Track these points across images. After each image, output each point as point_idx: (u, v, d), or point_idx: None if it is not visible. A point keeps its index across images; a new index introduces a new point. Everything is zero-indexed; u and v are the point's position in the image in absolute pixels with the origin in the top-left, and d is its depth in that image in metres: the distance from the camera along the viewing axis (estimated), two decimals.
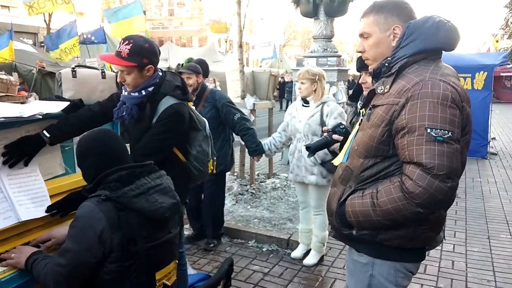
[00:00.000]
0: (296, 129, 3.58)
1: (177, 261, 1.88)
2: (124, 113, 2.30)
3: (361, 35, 1.72)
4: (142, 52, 2.20)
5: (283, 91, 20.39)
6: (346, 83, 7.79)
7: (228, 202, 5.06)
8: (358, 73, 3.03)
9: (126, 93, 2.31)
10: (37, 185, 2.24)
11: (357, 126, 1.80)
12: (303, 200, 3.79)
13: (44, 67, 10.46)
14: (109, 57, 2.31)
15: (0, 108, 2.14)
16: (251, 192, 5.35)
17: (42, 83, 10.21)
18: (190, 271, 3.38)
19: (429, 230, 1.62)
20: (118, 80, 2.31)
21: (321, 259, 3.81)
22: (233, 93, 6.05)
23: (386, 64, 1.63)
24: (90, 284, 1.67)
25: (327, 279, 3.52)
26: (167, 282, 1.78)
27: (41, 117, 2.19)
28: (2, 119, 2.01)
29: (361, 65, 2.72)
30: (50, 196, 2.24)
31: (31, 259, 1.76)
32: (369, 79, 2.70)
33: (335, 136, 2.24)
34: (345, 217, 1.66)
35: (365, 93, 2.71)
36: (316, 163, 3.45)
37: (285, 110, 4.44)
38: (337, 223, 1.71)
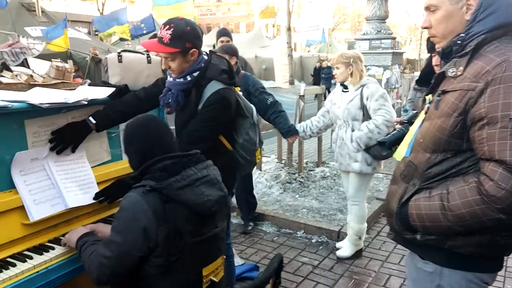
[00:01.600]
0: (336, 115, 3.42)
1: (224, 256, 1.79)
2: (170, 100, 2.21)
3: (427, 8, 1.48)
4: (184, 36, 2.08)
5: (318, 78, 18.26)
6: (401, 66, 7.38)
7: (276, 190, 4.94)
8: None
9: (171, 79, 2.21)
10: (84, 171, 2.21)
11: (422, 115, 1.58)
12: (347, 189, 3.63)
13: (97, 55, 10.73)
14: (151, 44, 2.21)
15: (47, 94, 2.11)
16: (299, 181, 5.19)
17: (95, 70, 10.50)
18: (238, 260, 3.31)
19: (510, 237, 1.38)
20: (162, 67, 2.21)
21: (359, 253, 3.62)
22: (281, 78, 5.86)
23: (459, 42, 1.40)
24: (135, 277, 1.63)
25: (381, 275, 3.32)
26: (214, 278, 1.70)
27: (86, 103, 2.15)
28: (48, 105, 1.97)
29: (432, 45, 2.45)
30: (97, 183, 2.21)
31: (81, 241, 1.76)
32: None
33: None
34: (407, 220, 1.46)
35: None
36: (359, 149, 3.26)
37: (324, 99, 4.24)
38: (398, 226, 1.51)
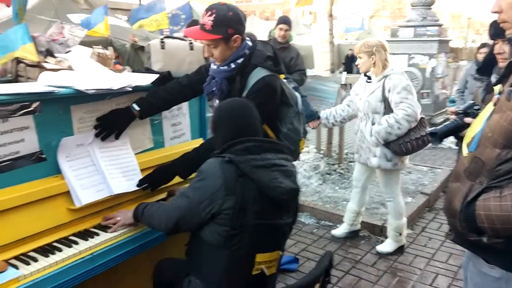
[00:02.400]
0: (358, 107, 3.31)
1: (281, 253, 1.76)
2: (214, 88, 2.16)
3: None
4: (226, 22, 2.00)
5: (350, 66, 17.00)
6: (448, 55, 7.05)
7: (315, 181, 4.85)
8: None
9: (215, 67, 2.15)
10: (128, 158, 2.20)
11: (490, 107, 1.43)
12: (357, 178, 3.57)
13: (136, 42, 10.87)
14: (193, 32, 2.16)
15: (92, 80, 2.09)
16: (339, 172, 5.07)
17: (135, 57, 10.65)
18: None
19: None
20: (205, 55, 2.15)
21: (400, 249, 3.49)
22: (321, 66, 5.71)
23: None
24: (197, 243, 1.71)
25: (427, 273, 3.18)
26: (265, 270, 1.68)
27: (130, 89, 2.12)
28: (93, 91, 1.95)
29: (496, 31, 2.28)
30: (140, 170, 2.20)
31: (141, 206, 1.88)
32: (506, 48, 2.25)
33: (467, 119, 1.84)
34: (474, 221, 1.33)
35: (501, 64, 2.28)
36: (378, 143, 3.12)
37: None
38: (462, 226, 1.38)
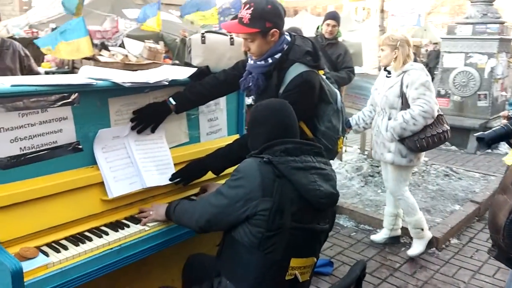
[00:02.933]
0: (375, 102, 3.23)
1: (315, 260, 1.71)
2: (250, 84, 2.12)
3: None
4: (264, 16, 1.96)
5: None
6: (509, 55, 6.61)
7: (356, 183, 4.70)
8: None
9: (252, 61, 2.11)
10: (162, 152, 2.21)
11: None
12: (385, 178, 3.43)
13: (186, 36, 11.06)
14: (231, 26, 2.13)
15: (130, 74, 2.12)
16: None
17: (184, 51, 10.85)
18: None
19: None
20: (242, 49, 2.11)
21: (430, 245, 3.40)
22: (370, 63, 5.53)
23: None
24: (230, 244, 1.67)
25: (471, 287, 2.98)
26: (299, 276, 1.63)
27: (167, 83, 2.13)
28: (130, 84, 1.97)
29: None
30: (173, 165, 2.20)
31: (174, 203, 1.88)
32: None
33: None
34: None
35: None
36: (393, 139, 3.04)
37: None
38: (505, 243, 1.26)
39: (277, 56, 2.05)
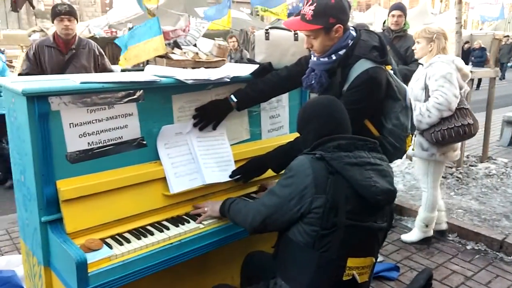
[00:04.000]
0: None
1: (374, 260, 1.63)
2: (313, 82, 2.05)
3: None
4: (327, 11, 1.87)
5: (466, 61, 15.13)
6: None
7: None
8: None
9: (315, 58, 2.04)
10: (224, 149, 2.22)
11: None
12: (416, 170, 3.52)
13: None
14: (292, 23, 2.07)
15: (192, 71, 2.15)
16: (457, 177, 4.56)
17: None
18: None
19: None
20: (305, 46, 2.05)
21: (427, 241, 3.41)
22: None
23: None
24: (285, 244, 1.64)
25: None
26: (357, 276, 1.56)
27: (228, 80, 2.12)
28: (192, 81, 2.00)
29: None
30: (234, 162, 2.20)
31: (228, 201, 1.88)
32: None
33: None
34: None
35: None
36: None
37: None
38: None
39: (341, 52, 1.96)
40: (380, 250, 3.25)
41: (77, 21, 3.55)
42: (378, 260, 3.00)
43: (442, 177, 4.52)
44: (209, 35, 10.91)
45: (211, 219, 1.93)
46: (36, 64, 3.51)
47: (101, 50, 3.69)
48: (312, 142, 1.64)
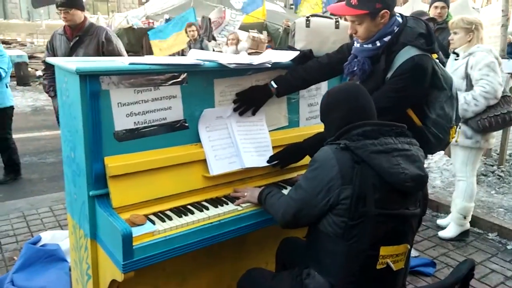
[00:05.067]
0: None
1: (409, 247, 1.59)
2: (355, 68, 2.02)
3: None
4: None
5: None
6: None
7: None
8: None
9: (358, 45, 2.01)
10: (262, 134, 2.24)
11: None
12: (453, 162, 3.42)
13: (289, 26, 11.11)
14: (337, 8, 2.04)
15: (233, 56, 2.17)
16: (498, 175, 4.42)
17: (286, 41, 10.91)
18: (412, 252, 3.00)
19: None
20: (349, 32, 2.02)
21: (465, 235, 3.35)
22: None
23: None
24: (315, 235, 1.63)
25: None
26: (392, 265, 1.53)
27: (269, 65, 2.14)
28: (235, 65, 2.02)
29: None
30: (272, 147, 2.22)
31: (265, 191, 1.88)
32: None
33: None
34: None
35: None
36: None
37: None
38: None
39: (386, 39, 1.93)
40: (416, 246, 3.23)
41: (82, 10, 3.45)
42: (413, 255, 2.97)
43: (483, 175, 4.41)
44: (244, 27, 10.93)
45: (247, 203, 1.95)
46: (51, 51, 3.58)
47: (110, 37, 3.52)
48: (336, 130, 1.61)
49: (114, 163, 1.73)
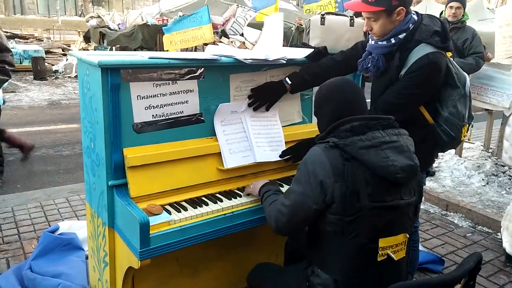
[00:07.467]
0: None
1: (408, 236, 1.61)
2: (369, 65, 2.05)
3: None
4: None
5: None
6: None
7: (476, 181, 4.32)
8: None
9: (372, 42, 2.04)
10: (275, 130, 2.28)
11: None
12: None
13: (301, 25, 11.10)
14: (354, 4, 2.07)
15: (249, 51, 2.21)
16: (510, 175, 4.40)
17: (298, 39, 10.91)
18: (420, 248, 3.02)
19: None
20: (364, 29, 2.05)
21: None
22: (503, 53, 4.95)
23: None
24: (313, 234, 1.65)
25: None
26: (392, 255, 1.55)
27: (285, 62, 2.18)
28: (251, 61, 2.06)
29: None
30: (285, 143, 2.26)
31: (265, 188, 1.89)
32: None
33: None
34: None
35: None
36: None
37: None
38: None
39: (401, 36, 1.95)
40: (425, 243, 3.25)
41: None
42: (420, 249, 2.98)
43: (494, 175, 4.40)
44: (256, 26, 10.96)
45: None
46: None
47: None
48: (327, 125, 1.63)
49: (132, 154, 1.79)
